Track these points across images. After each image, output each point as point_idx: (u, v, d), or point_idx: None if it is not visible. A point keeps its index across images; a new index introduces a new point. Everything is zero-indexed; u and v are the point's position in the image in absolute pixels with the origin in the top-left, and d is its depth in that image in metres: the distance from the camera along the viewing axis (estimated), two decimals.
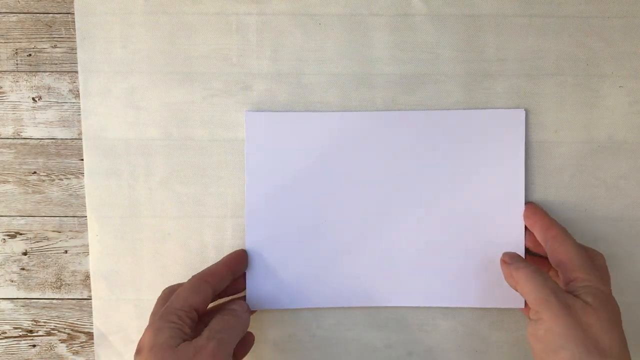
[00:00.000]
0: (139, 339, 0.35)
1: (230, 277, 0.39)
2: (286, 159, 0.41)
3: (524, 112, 0.41)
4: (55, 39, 0.41)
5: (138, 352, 0.35)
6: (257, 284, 0.41)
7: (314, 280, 0.41)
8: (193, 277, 0.38)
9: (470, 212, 0.41)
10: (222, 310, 0.38)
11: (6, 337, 0.44)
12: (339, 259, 0.41)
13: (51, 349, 0.44)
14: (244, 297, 0.41)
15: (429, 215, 0.41)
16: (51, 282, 0.43)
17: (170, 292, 0.38)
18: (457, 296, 0.41)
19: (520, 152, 0.41)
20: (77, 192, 0.42)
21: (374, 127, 0.41)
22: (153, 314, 0.38)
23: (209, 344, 0.34)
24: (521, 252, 0.41)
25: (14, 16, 0.41)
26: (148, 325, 0.36)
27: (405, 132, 0.41)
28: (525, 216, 0.41)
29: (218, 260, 0.40)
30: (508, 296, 0.41)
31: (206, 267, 0.40)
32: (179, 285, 0.39)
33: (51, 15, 0.41)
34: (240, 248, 0.42)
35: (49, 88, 0.42)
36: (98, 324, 0.43)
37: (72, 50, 0.41)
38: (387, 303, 0.41)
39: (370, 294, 0.41)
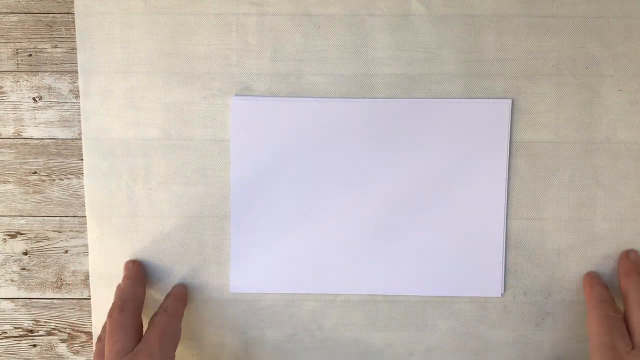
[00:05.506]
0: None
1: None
2: (272, 145, 0.41)
3: (510, 102, 0.41)
4: (55, 39, 0.41)
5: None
6: (241, 268, 0.42)
7: (297, 265, 0.42)
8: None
9: (453, 202, 0.41)
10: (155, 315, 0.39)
11: (6, 337, 0.44)
12: (323, 244, 0.42)
13: (51, 348, 0.44)
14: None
15: (413, 202, 0.41)
16: (51, 282, 0.43)
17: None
18: (440, 285, 0.42)
19: (505, 142, 0.41)
20: (78, 192, 0.42)
21: (358, 114, 0.41)
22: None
23: None
24: (500, 241, 0.41)
25: (14, 16, 0.41)
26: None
27: (391, 120, 0.41)
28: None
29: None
30: (485, 285, 0.42)
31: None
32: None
33: (52, 15, 0.41)
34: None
35: (49, 88, 0.42)
36: (97, 324, 0.43)
37: (73, 50, 0.41)
38: (369, 291, 0.42)
39: (354, 281, 0.42)
